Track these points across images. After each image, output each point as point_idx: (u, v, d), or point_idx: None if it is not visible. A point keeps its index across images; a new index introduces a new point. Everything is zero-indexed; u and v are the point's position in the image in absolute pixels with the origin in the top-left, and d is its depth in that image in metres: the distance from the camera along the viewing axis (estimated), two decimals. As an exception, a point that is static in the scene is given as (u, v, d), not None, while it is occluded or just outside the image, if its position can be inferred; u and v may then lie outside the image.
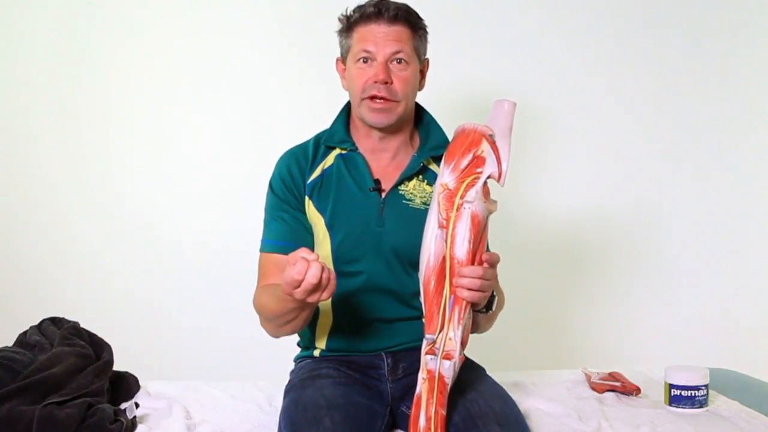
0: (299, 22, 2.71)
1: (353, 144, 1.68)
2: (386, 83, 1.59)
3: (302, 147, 1.72)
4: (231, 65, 2.74)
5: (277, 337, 1.64)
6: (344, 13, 1.65)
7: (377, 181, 1.66)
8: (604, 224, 2.83)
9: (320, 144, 1.70)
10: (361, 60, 1.61)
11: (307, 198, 1.66)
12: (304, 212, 1.66)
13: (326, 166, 1.68)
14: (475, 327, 1.59)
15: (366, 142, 1.68)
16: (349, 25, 1.63)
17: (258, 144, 2.63)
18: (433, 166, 1.69)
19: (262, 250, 1.68)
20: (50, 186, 2.74)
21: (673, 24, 2.82)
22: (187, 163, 2.76)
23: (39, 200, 2.74)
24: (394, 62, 1.60)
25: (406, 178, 1.66)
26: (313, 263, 1.33)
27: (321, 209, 1.65)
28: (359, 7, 1.63)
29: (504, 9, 2.78)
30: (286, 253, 1.56)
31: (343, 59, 1.68)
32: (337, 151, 1.69)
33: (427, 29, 1.67)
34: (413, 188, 1.66)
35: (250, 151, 2.66)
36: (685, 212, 2.87)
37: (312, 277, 1.32)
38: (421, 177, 1.68)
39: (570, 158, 2.83)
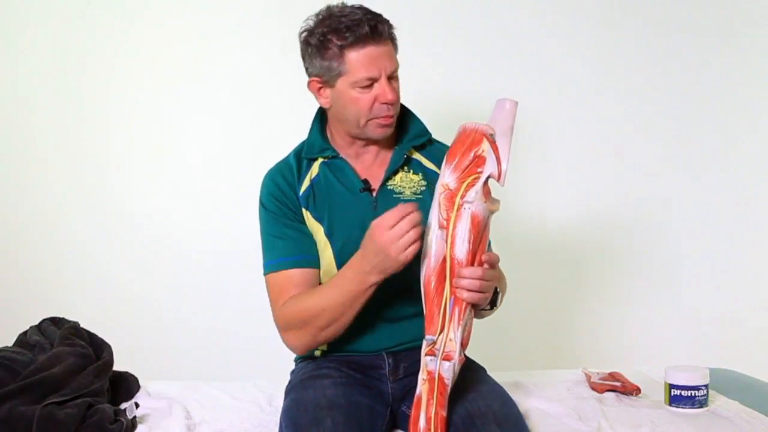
0: (299, 23, 2.71)
1: (334, 150, 1.67)
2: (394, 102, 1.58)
3: (284, 162, 1.71)
4: (232, 66, 2.74)
5: (311, 347, 1.61)
6: (318, 37, 1.54)
7: (366, 181, 1.65)
8: (605, 224, 2.83)
9: (301, 158, 1.69)
10: (366, 86, 1.55)
11: (303, 210, 1.65)
12: (303, 223, 1.65)
13: (314, 176, 1.66)
14: (479, 315, 1.58)
15: (348, 148, 1.67)
16: (339, 48, 1.52)
17: (258, 144, 2.63)
18: (416, 156, 1.69)
19: (271, 270, 1.62)
20: (50, 186, 2.74)
21: (673, 24, 2.82)
22: (188, 163, 2.76)
23: (39, 200, 2.74)
24: (391, 79, 1.58)
25: (393, 172, 1.66)
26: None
27: (319, 218, 1.64)
28: (346, 28, 1.51)
29: (505, 8, 2.78)
30: (299, 266, 1.60)
31: (325, 81, 1.58)
32: (320, 161, 1.67)
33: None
34: (401, 181, 1.66)
35: (251, 151, 2.66)
36: (686, 212, 2.87)
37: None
38: (406, 168, 1.67)
39: (571, 158, 2.83)
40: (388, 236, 1.40)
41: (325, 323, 1.54)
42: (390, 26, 1.57)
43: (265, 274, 1.64)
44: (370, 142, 1.66)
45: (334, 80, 1.57)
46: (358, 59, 1.53)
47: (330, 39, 1.53)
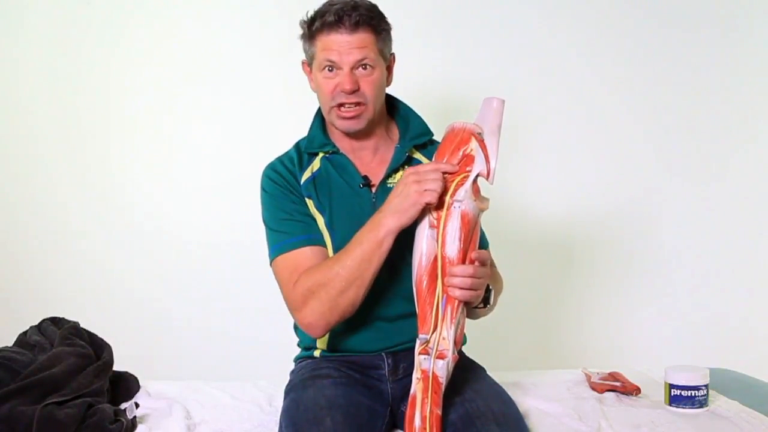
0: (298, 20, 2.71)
1: (334, 146, 1.69)
2: (354, 92, 1.59)
3: (285, 155, 1.73)
4: (231, 64, 2.74)
5: (330, 322, 1.55)
6: (305, 19, 1.62)
7: (366, 177, 1.67)
8: (604, 224, 2.83)
9: (302, 152, 1.71)
10: (327, 69, 1.60)
11: (306, 198, 1.66)
12: (306, 206, 1.66)
13: (315, 169, 1.68)
14: (473, 315, 1.59)
15: (345, 143, 1.69)
16: (311, 33, 1.60)
17: (259, 143, 2.62)
18: (417, 155, 1.70)
19: (282, 251, 1.61)
20: (50, 186, 2.74)
21: (669, 22, 2.82)
22: (188, 163, 2.76)
23: (39, 200, 2.74)
24: (360, 68, 1.59)
25: (393, 170, 1.67)
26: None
27: (321, 209, 1.65)
28: (320, 14, 1.59)
29: (497, 6, 2.77)
30: (310, 244, 1.60)
31: (308, 63, 1.67)
32: (321, 155, 1.69)
33: (390, 27, 1.64)
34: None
35: (251, 150, 2.65)
36: (686, 212, 2.86)
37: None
38: (406, 167, 1.67)
39: (571, 157, 2.82)
40: (414, 174, 1.46)
41: (342, 285, 1.51)
42: (370, 18, 1.58)
43: (273, 259, 1.63)
44: (360, 137, 1.67)
45: (311, 63, 1.65)
46: (322, 42, 1.60)
47: (309, 24, 1.62)
